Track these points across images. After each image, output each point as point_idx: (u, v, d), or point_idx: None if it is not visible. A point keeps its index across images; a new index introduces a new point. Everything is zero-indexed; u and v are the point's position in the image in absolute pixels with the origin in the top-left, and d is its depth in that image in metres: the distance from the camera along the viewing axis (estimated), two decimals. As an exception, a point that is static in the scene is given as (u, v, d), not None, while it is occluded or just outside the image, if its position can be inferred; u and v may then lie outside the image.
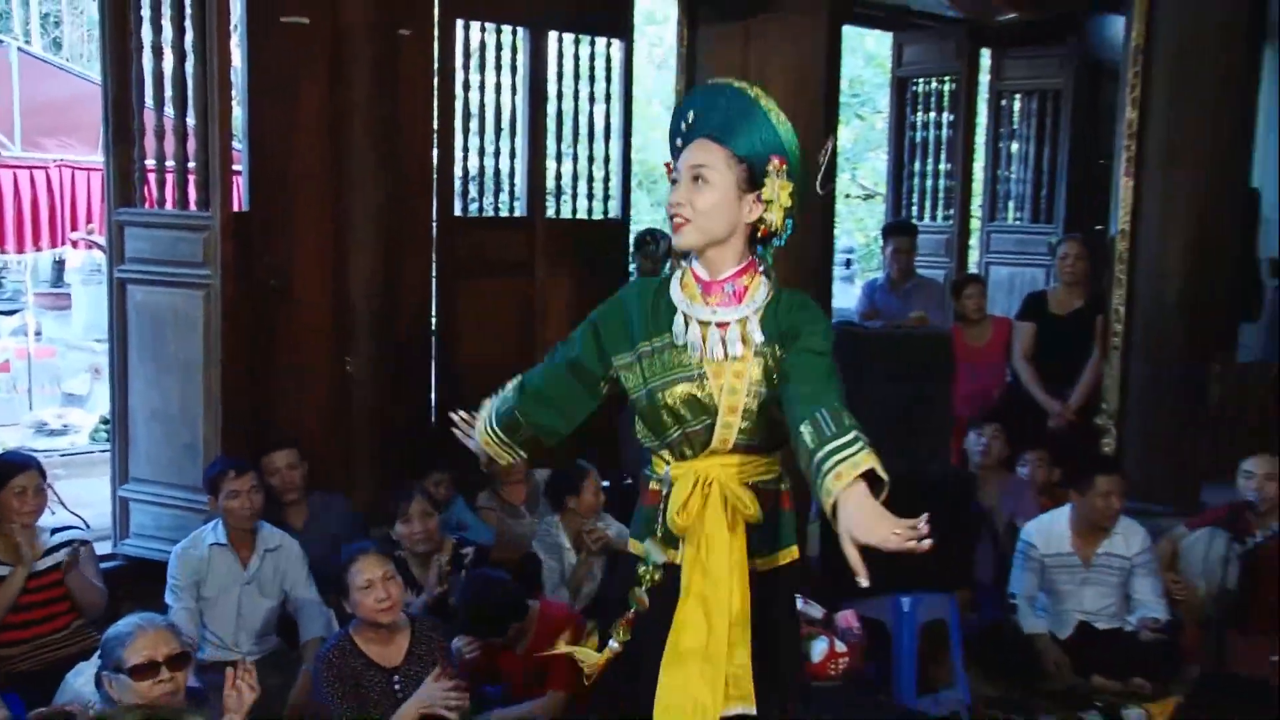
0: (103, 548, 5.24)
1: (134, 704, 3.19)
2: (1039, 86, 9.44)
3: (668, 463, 2.68)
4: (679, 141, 2.64)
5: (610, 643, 2.75)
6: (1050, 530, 5.24)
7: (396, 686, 3.90)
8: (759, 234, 2.60)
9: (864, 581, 2.17)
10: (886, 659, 4.69)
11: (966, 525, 4.92)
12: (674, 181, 2.60)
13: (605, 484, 5.87)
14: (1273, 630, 4.98)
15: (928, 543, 2.17)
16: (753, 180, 2.54)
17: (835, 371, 2.48)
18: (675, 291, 2.64)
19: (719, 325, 2.56)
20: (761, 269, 2.63)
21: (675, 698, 2.56)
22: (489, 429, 2.96)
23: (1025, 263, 9.18)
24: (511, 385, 2.95)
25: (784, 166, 2.53)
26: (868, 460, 2.25)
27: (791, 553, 2.73)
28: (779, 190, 2.53)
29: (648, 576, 2.69)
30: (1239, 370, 8.26)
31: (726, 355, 2.55)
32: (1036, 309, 6.96)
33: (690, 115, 2.60)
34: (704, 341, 2.55)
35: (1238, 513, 5.33)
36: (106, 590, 4.70)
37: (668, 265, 6.36)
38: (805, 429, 2.31)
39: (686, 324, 2.58)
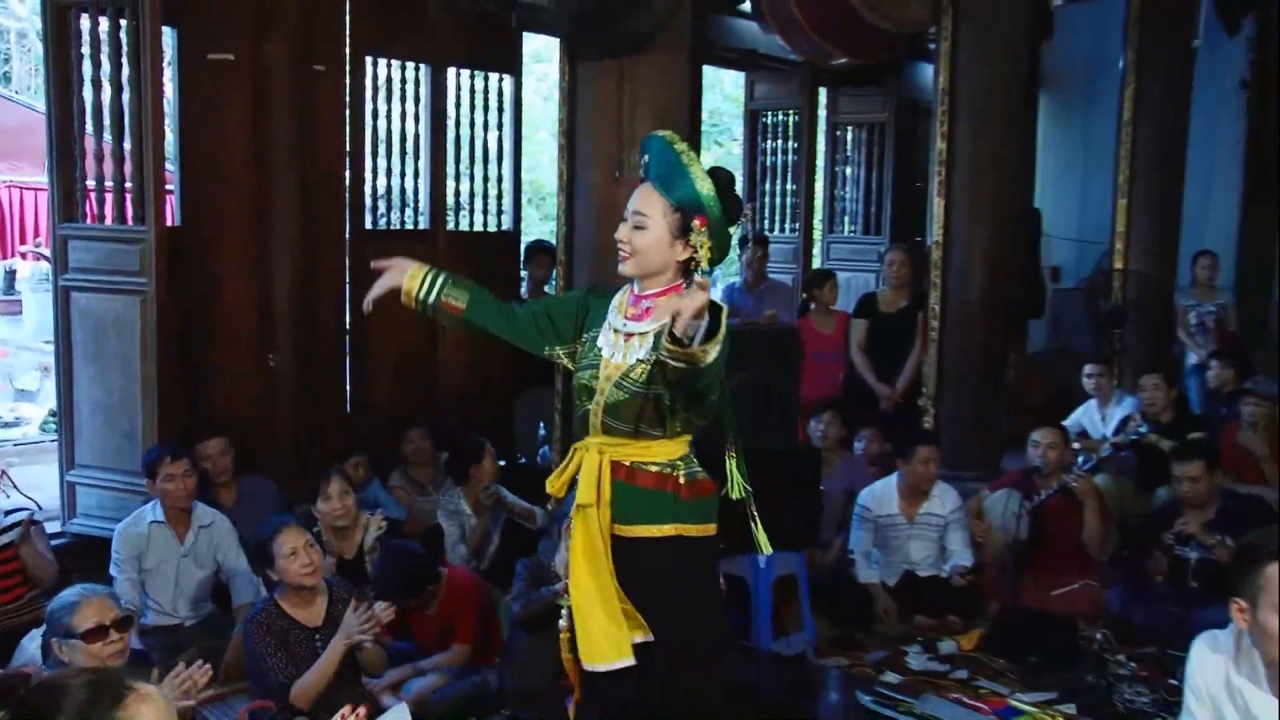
0: (53, 527, 5.16)
1: (85, 665, 3.14)
2: (867, 120, 9.67)
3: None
4: (641, 174, 2.75)
5: (561, 623, 2.84)
6: (881, 495, 5.39)
7: (318, 643, 3.88)
8: (692, 264, 2.68)
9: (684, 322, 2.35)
10: (746, 609, 4.71)
11: (813, 494, 4.97)
12: (624, 217, 2.70)
13: (501, 463, 5.92)
14: (1054, 571, 5.21)
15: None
16: (685, 227, 2.64)
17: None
18: (613, 301, 2.77)
19: (625, 335, 2.70)
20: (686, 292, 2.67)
21: (589, 635, 2.66)
22: (431, 272, 2.89)
23: (858, 268, 9.33)
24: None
25: (704, 227, 2.61)
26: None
27: (670, 529, 2.72)
28: (702, 244, 2.63)
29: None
30: (1028, 359, 8.60)
31: (613, 358, 2.69)
32: (868, 308, 7.12)
33: (645, 158, 2.72)
34: (607, 343, 2.72)
35: (1027, 476, 5.52)
36: (57, 563, 4.64)
37: (554, 274, 6.42)
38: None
39: (609, 335, 2.72)
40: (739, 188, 2.89)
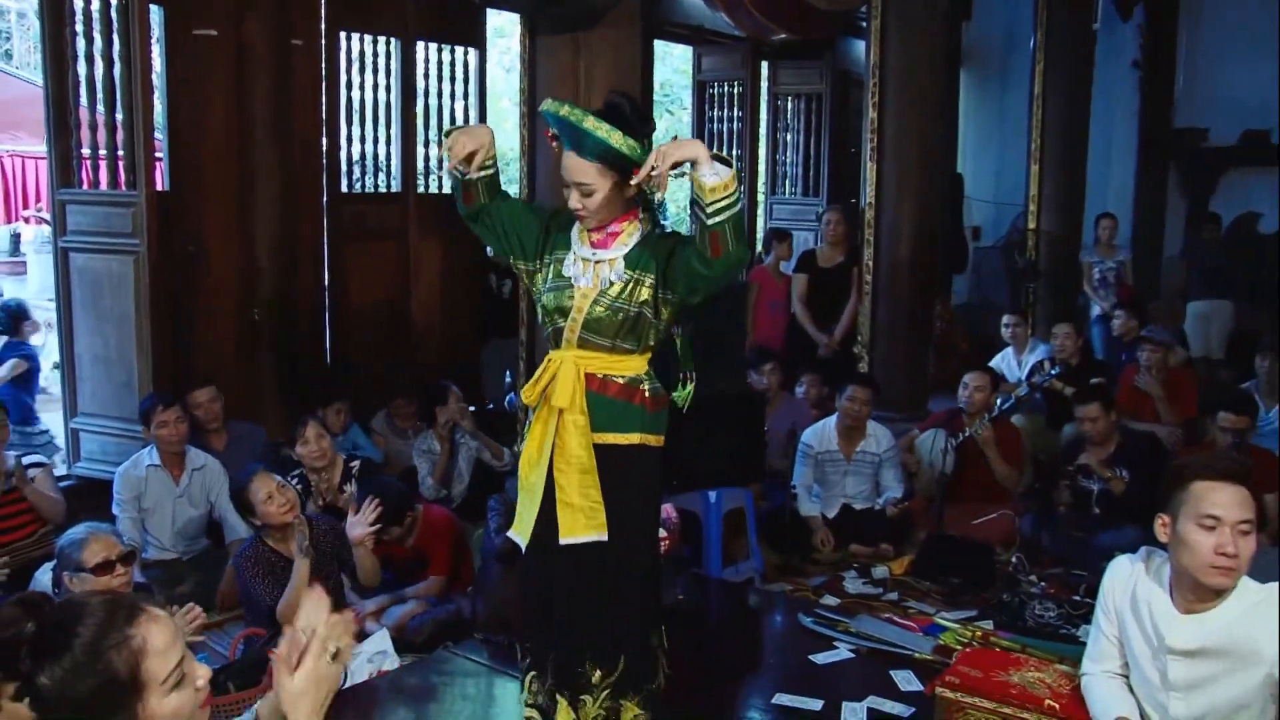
0: (59, 470, 5.13)
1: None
2: (806, 91, 9.63)
3: (551, 349, 2.77)
4: (552, 137, 2.67)
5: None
6: (821, 434, 5.40)
7: (301, 571, 3.87)
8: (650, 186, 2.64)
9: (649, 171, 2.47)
10: (698, 541, 4.70)
11: (758, 434, 4.97)
12: (565, 181, 2.63)
13: (471, 408, 5.90)
14: (975, 502, 5.28)
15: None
16: (624, 170, 2.56)
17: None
18: (574, 231, 2.72)
19: (594, 263, 2.66)
20: (640, 218, 2.70)
21: (522, 518, 2.77)
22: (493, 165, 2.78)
23: (799, 227, 9.30)
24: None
25: (638, 173, 2.55)
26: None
27: (633, 437, 2.71)
28: (655, 189, 2.63)
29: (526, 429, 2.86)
30: (952, 310, 8.70)
31: (585, 283, 2.66)
32: (808, 263, 7.14)
33: (552, 131, 2.65)
34: (574, 268, 2.69)
35: (953, 416, 5.61)
36: (64, 502, 4.60)
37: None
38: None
39: (575, 261, 2.69)
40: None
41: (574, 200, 2.63)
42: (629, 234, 2.69)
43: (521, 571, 2.89)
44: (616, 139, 2.52)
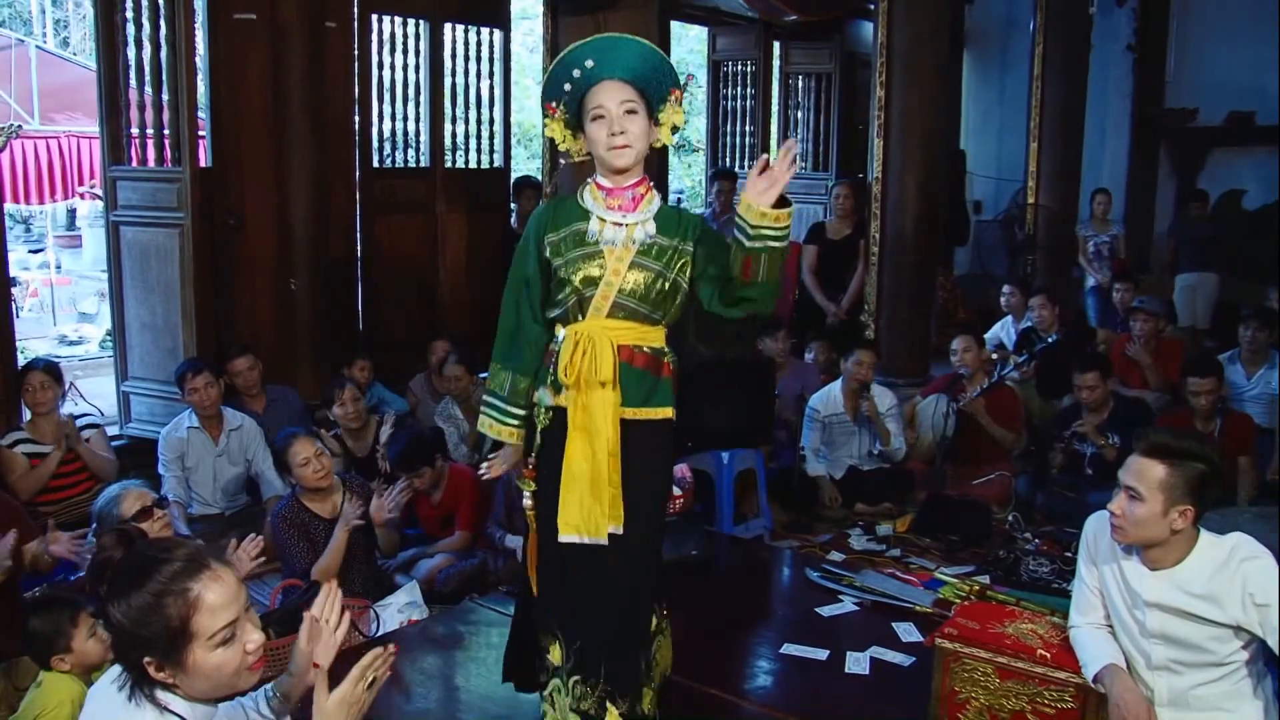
0: (112, 430, 5.15)
1: None
2: (815, 70, 9.48)
3: (563, 327, 2.48)
4: (570, 86, 2.43)
5: (525, 502, 2.60)
6: (829, 398, 5.35)
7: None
8: (655, 143, 2.50)
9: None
10: (711, 499, 4.69)
11: (768, 398, 4.95)
12: (599, 117, 2.39)
13: (483, 376, 5.87)
14: (974, 463, 5.26)
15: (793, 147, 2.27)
16: (651, 112, 2.43)
17: None
18: (587, 199, 2.48)
19: (621, 225, 2.44)
20: (654, 188, 2.52)
21: (573, 513, 2.41)
22: (503, 418, 2.60)
23: (809, 201, 9.14)
24: (495, 381, 2.62)
25: (678, 95, 2.44)
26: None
27: (665, 411, 2.50)
28: (674, 115, 2.46)
29: (542, 418, 2.51)
30: (954, 280, 8.64)
31: (618, 243, 2.43)
32: (818, 235, 7.07)
33: (588, 62, 2.39)
34: (600, 232, 2.43)
35: (955, 380, 5.57)
36: (116, 460, 4.66)
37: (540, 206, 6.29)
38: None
39: (601, 225, 2.44)
40: (703, 132, 2.73)
41: (619, 124, 2.37)
42: (650, 199, 2.48)
43: (559, 569, 2.51)
44: (672, 67, 2.39)
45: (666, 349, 2.52)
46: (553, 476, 2.46)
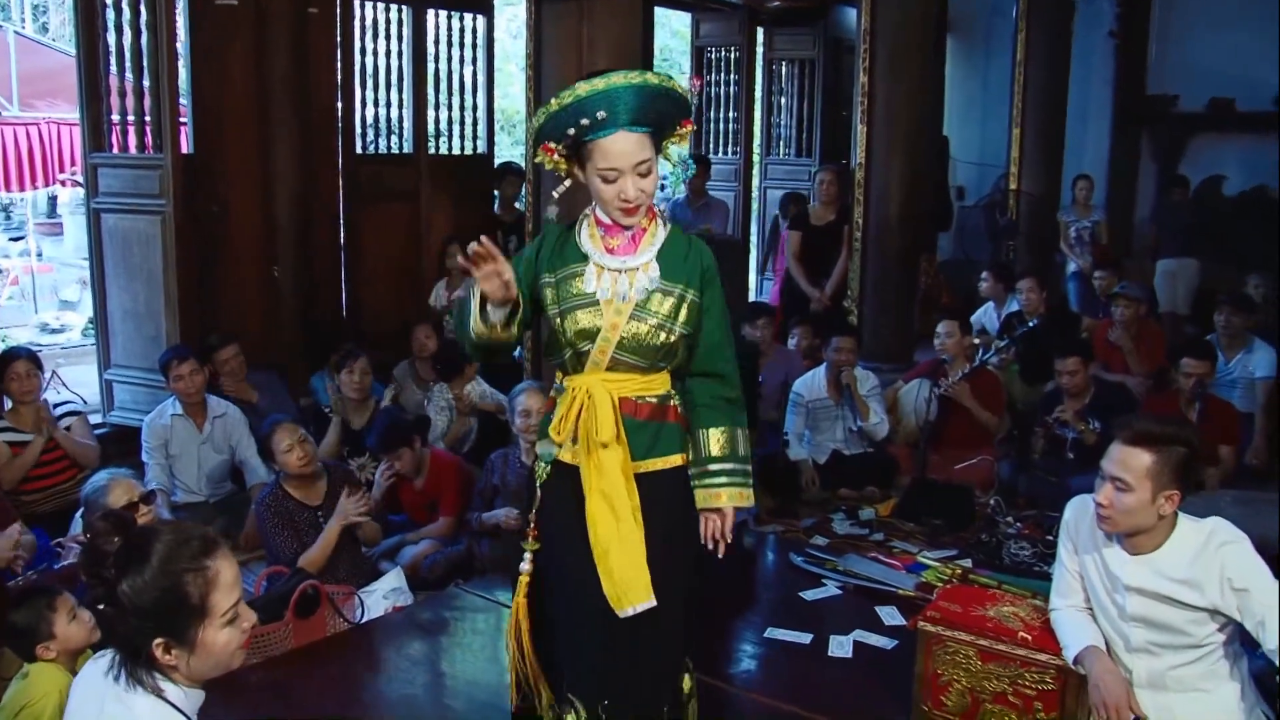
0: (95, 418, 5.14)
1: None
2: (799, 56, 9.49)
3: (565, 376, 2.33)
4: (574, 132, 2.15)
5: (522, 565, 2.38)
6: (812, 383, 5.34)
7: (320, 518, 3.90)
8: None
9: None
10: None
11: (752, 384, 4.89)
12: (613, 175, 2.16)
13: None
14: (957, 447, 5.26)
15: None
16: (658, 146, 2.22)
17: (738, 369, 2.37)
18: (584, 239, 2.27)
19: (621, 271, 2.22)
20: (659, 213, 2.32)
21: (619, 582, 2.19)
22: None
23: (793, 187, 9.20)
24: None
25: (688, 126, 2.25)
26: (746, 498, 2.34)
27: (674, 460, 2.32)
28: (680, 142, 2.28)
29: (541, 472, 2.34)
30: (937, 266, 8.65)
31: (616, 295, 2.22)
32: (802, 221, 7.03)
33: (600, 114, 2.11)
34: (597, 281, 2.22)
35: (936, 366, 5.56)
36: (99, 447, 4.64)
37: (523, 191, 6.24)
38: (718, 433, 2.32)
39: (599, 273, 2.23)
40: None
41: (630, 190, 2.16)
42: (653, 234, 2.25)
43: (578, 637, 2.31)
44: (675, 84, 2.16)
45: (672, 392, 2.33)
46: (558, 537, 2.30)
